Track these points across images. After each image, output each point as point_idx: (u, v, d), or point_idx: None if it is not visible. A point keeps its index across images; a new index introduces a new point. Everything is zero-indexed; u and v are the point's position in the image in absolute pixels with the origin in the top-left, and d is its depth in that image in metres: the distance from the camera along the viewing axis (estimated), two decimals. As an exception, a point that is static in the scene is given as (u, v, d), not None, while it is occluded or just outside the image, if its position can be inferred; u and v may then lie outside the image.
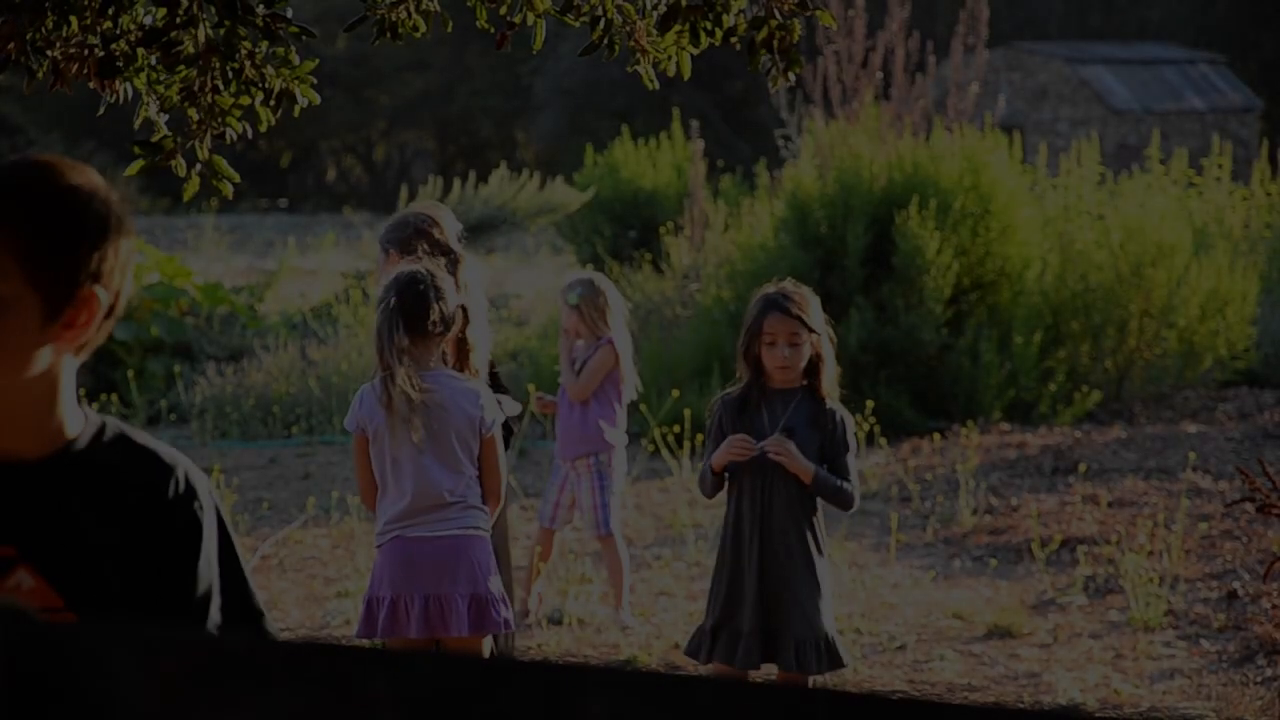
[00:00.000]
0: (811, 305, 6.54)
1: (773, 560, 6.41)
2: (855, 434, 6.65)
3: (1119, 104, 34.24)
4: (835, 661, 6.45)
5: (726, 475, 6.54)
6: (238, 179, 5.03)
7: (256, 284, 18.29)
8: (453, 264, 6.58)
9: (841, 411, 6.56)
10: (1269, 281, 17.12)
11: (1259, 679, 8.05)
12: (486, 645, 6.27)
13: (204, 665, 2.40)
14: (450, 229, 6.73)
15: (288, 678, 2.40)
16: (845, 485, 6.47)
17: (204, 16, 4.68)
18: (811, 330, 6.48)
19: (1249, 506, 10.42)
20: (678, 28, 4.94)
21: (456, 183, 19.55)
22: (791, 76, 5.01)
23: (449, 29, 5.02)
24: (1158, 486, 11.85)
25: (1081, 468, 12.18)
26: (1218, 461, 12.66)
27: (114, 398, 15.16)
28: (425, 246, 6.60)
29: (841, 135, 15.25)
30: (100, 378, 15.80)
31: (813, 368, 6.53)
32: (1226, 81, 36.35)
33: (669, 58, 4.99)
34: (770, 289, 6.59)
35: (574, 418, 9.25)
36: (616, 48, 5.03)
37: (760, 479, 6.44)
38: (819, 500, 6.51)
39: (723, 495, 6.64)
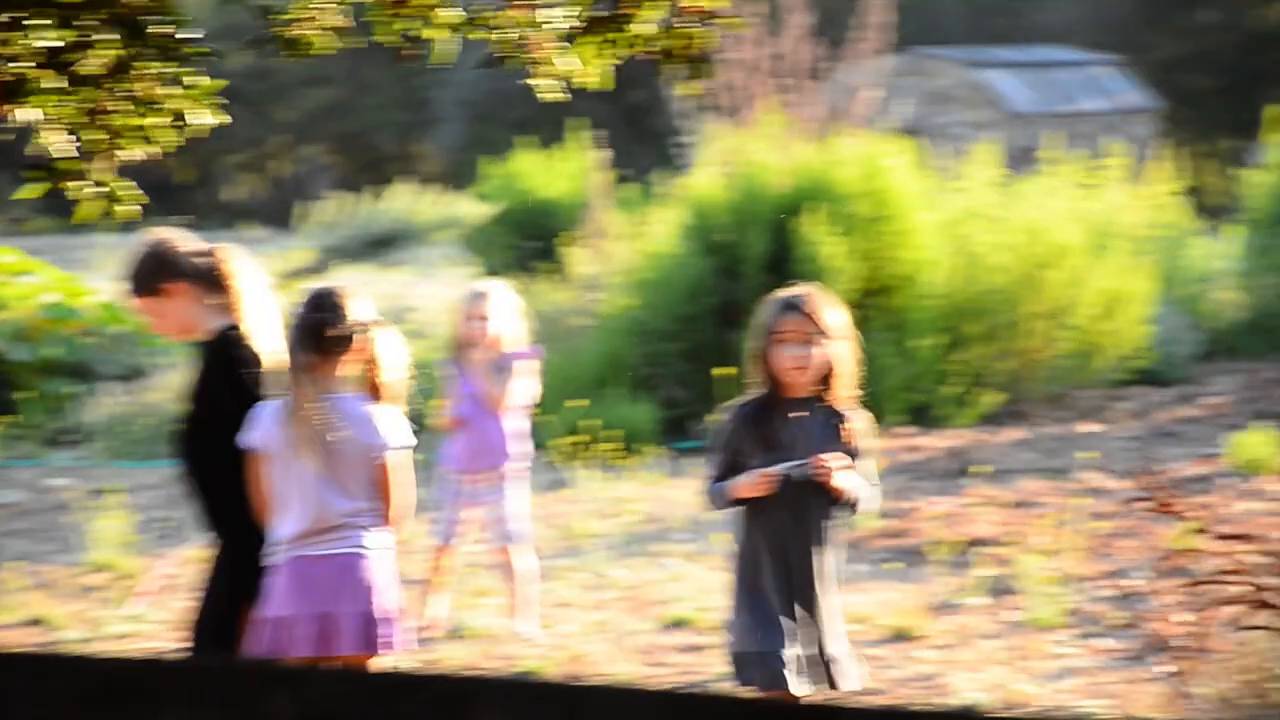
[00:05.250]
0: (827, 308, 6.27)
1: (814, 578, 6.19)
2: (870, 435, 6.40)
3: (1017, 107, 34.47)
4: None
5: None
6: (143, 200, 5.02)
7: (156, 301, 18.14)
8: (210, 256, 6.54)
9: (856, 415, 6.31)
10: (1164, 281, 17.30)
11: (1154, 675, 8.14)
12: (379, 665, 6.25)
13: (98, 688, 2.41)
14: (186, 238, 6.68)
15: (185, 697, 2.41)
16: (870, 492, 6.30)
17: (102, 38, 4.68)
18: (827, 334, 6.21)
19: (1144, 504, 10.55)
20: (591, 40, 4.97)
21: (358, 197, 19.50)
22: (700, 84, 5.06)
23: (349, 45, 5.03)
24: (1055, 486, 11.96)
25: (980, 469, 12.29)
26: (1114, 461, 12.80)
27: (11, 420, 15.04)
28: (180, 269, 6.53)
29: (741, 142, 15.31)
30: (-3, 399, 15.67)
31: (827, 374, 6.26)
32: (1122, 83, 36.66)
33: (586, 72, 5.01)
34: (785, 291, 6.33)
35: (491, 429, 9.25)
36: (515, 61, 5.06)
37: (795, 497, 6.17)
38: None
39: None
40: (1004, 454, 13.25)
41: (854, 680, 6.29)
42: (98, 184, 4.89)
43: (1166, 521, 10.36)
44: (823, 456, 6.15)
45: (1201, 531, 7.16)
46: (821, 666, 6.21)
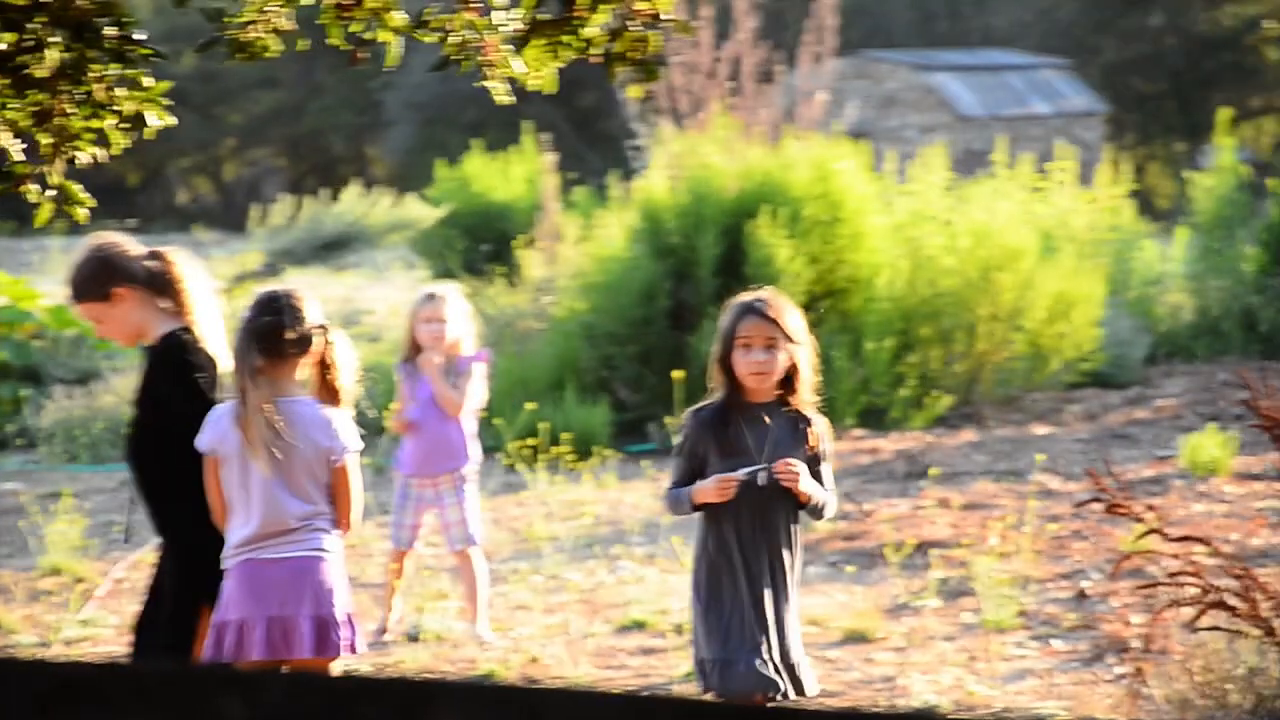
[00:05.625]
0: (789, 312, 6.23)
1: (778, 584, 6.14)
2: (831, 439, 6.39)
3: (966, 110, 34.59)
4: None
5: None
6: (92, 203, 4.98)
7: (106, 305, 18.06)
8: (158, 259, 6.50)
9: (818, 419, 6.27)
10: (1114, 284, 17.37)
11: (1109, 677, 8.17)
12: (336, 668, 6.22)
13: (52, 692, 2.38)
14: (130, 242, 6.64)
15: (139, 703, 2.39)
16: (830, 498, 6.26)
17: (52, 40, 4.64)
18: (789, 338, 6.17)
19: (1097, 506, 10.59)
20: (540, 43, 4.95)
21: (308, 200, 19.43)
22: (649, 87, 5.04)
23: (301, 47, 5.00)
24: (1008, 488, 11.99)
25: (934, 471, 12.31)
26: (1066, 463, 12.83)
27: (-39, 423, 14.95)
28: (128, 273, 6.49)
29: (692, 145, 15.31)
30: (-53, 403, 15.57)
31: (788, 379, 6.21)
32: (1070, 86, 36.83)
33: (532, 74, 4.99)
34: (747, 296, 6.29)
35: (446, 433, 9.24)
36: (466, 63, 5.04)
37: (759, 502, 6.13)
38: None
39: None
40: (957, 456, 13.28)
41: (814, 686, 6.27)
42: (53, 187, 4.84)
43: (1120, 523, 10.40)
44: (788, 460, 6.12)
45: (1155, 533, 7.17)
46: (784, 672, 6.18)
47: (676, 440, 6.37)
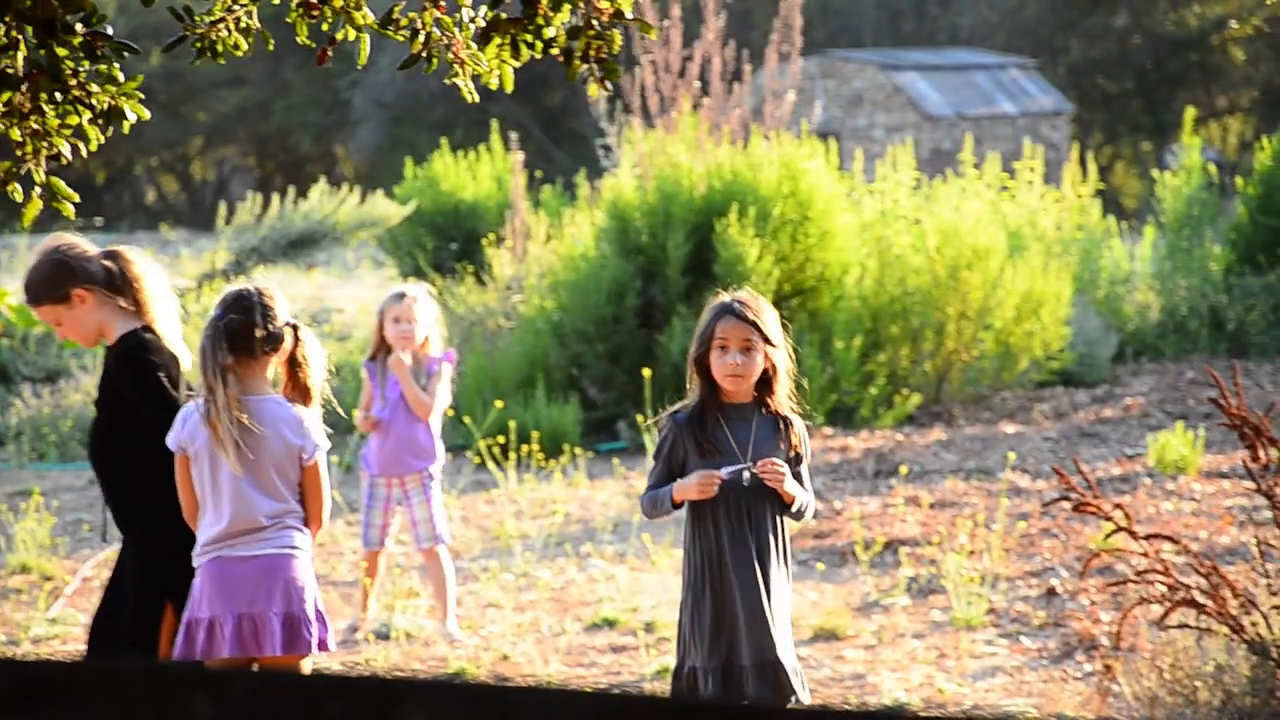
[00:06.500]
0: (767, 314, 6.17)
1: (770, 586, 6.01)
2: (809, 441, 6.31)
3: (933, 110, 34.63)
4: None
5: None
6: (77, 199, 4.97)
7: (73, 304, 17.99)
8: (114, 259, 6.49)
9: (796, 420, 6.20)
10: (1081, 283, 17.41)
11: (1078, 674, 8.18)
12: (306, 665, 6.20)
13: (20, 690, 2.37)
14: (86, 243, 6.63)
15: (107, 701, 2.37)
16: (811, 499, 6.19)
17: (22, 38, 4.62)
18: (767, 341, 6.11)
19: (1066, 505, 10.60)
20: (498, 41, 4.94)
21: (276, 198, 19.38)
22: (609, 85, 5.02)
23: (270, 48, 4.99)
24: (978, 487, 12.01)
25: (903, 470, 12.32)
26: (1035, 461, 12.86)
27: (-72, 422, 14.89)
28: (86, 274, 6.47)
29: (660, 144, 15.31)
30: (-87, 402, 15.50)
31: (766, 381, 6.15)
32: (1037, 86, 36.88)
33: (491, 72, 4.98)
34: (725, 296, 6.22)
35: (413, 433, 9.24)
36: (435, 61, 5.03)
37: (744, 502, 6.04)
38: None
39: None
40: (926, 455, 13.30)
41: (804, 690, 6.18)
42: (39, 185, 4.82)
43: (1089, 522, 10.42)
44: (773, 460, 6.04)
45: (1124, 531, 7.18)
46: (772, 674, 6.08)
47: (654, 444, 6.29)
